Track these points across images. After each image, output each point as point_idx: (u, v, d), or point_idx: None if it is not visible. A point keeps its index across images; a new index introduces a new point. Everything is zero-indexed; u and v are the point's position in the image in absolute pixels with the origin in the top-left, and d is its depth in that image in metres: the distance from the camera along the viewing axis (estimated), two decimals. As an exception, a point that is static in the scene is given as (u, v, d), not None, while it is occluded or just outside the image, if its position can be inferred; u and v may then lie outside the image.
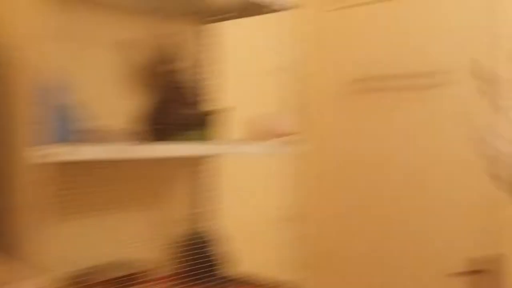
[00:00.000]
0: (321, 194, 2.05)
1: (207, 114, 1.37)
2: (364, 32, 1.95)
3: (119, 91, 1.39)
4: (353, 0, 1.98)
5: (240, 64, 1.69)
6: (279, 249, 1.81)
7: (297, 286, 1.95)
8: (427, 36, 1.80)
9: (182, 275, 1.43)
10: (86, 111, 1.24)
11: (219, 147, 1.30)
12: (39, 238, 1.01)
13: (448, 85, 1.72)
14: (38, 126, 0.95)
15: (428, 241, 1.79)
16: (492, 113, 1.06)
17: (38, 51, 0.97)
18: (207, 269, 1.42)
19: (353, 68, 1.96)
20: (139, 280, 1.29)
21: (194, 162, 1.58)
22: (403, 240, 1.85)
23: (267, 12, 1.47)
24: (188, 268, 1.43)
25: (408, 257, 1.84)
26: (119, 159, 1.28)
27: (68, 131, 1.05)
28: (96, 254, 1.30)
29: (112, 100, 1.37)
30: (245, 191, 1.76)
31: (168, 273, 1.46)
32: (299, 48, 1.54)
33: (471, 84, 1.58)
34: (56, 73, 1.15)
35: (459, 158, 1.72)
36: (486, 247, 1.66)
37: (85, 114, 1.20)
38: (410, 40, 1.83)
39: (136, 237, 1.40)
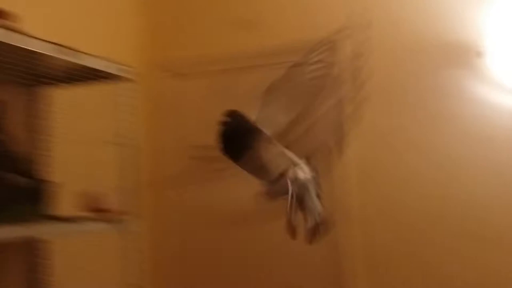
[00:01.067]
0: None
1: (38, 186, 1.32)
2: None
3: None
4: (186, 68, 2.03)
5: (72, 133, 1.54)
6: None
7: None
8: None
9: None
10: None
11: (54, 226, 1.26)
12: None
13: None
14: None
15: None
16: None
17: None
18: None
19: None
20: None
21: (26, 243, 1.48)
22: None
23: (102, 78, 1.44)
24: None
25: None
26: None
27: None
28: None
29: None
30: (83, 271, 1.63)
31: None
32: (134, 118, 1.48)
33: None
34: None
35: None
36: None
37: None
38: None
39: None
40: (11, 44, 1.14)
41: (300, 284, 1.93)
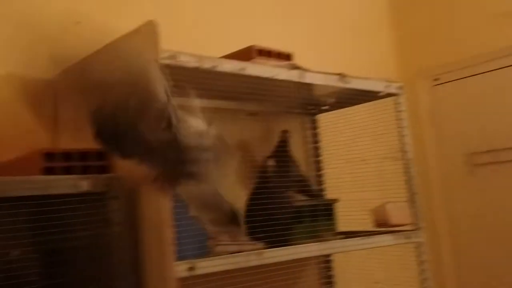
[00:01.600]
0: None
1: (324, 204, 1.38)
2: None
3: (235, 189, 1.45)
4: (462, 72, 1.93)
5: (342, 153, 1.63)
6: None
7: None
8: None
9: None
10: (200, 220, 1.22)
11: (346, 242, 1.33)
12: None
13: None
14: (176, 243, 1.01)
15: None
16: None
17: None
18: None
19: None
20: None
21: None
22: None
23: (374, 99, 1.51)
24: None
25: None
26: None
27: (198, 244, 1.13)
28: None
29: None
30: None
31: None
32: (406, 131, 1.48)
33: None
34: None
35: None
36: None
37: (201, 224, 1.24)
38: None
39: None
40: (296, 82, 1.28)
41: None
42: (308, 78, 1.30)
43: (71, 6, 1.38)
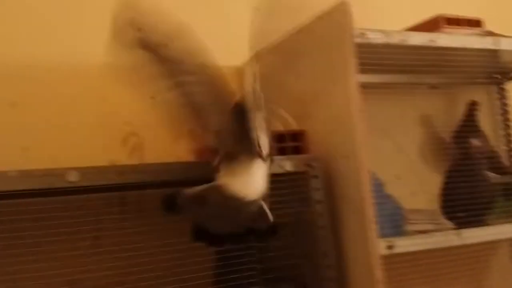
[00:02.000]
0: None
1: None
2: None
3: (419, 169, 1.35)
4: None
5: None
6: None
7: None
8: None
9: None
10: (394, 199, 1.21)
11: None
12: None
13: None
14: (375, 219, 0.98)
15: None
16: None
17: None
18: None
19: None
20: None
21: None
22: None
23: None
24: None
25: None
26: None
27: (394, 222, 1.09)
28: None
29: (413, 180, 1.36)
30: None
31: None
32: None
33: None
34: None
35: None
36: None
37: (396, 202, 1.17)
38: None
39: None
40: (489, 49, 1.20)
41: None
42: (504, 45, 1.20)
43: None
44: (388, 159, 1.42)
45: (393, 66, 1.26)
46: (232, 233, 0.86)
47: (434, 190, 1.40)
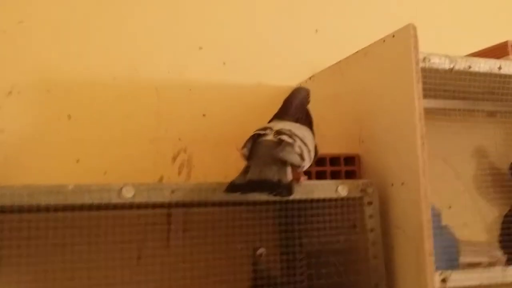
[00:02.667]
0: None
1: None
2: None
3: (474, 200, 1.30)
4: None
5: None
6: None
7: None
8: None
9: None
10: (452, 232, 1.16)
11: None
12: None
13: None
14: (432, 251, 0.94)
15: None
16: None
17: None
18: None
19: None
20: None
21: None
22: None
23: None
24: None
25: None
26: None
27: (448, 254, 1.04)
28: None
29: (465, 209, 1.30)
30: None
31: None
32: None
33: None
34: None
35: None
36: None
37: (452, 234, 1.12)
38: None
39: None
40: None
41: None
42: None
43: (309, 18, 1.43)
44: (441, 187, 1.37)
45: (453, 92, 1.22)
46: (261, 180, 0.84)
47: (488, 221, 1.35)
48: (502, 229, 1.20)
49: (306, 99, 1.03)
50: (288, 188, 0.85)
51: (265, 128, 0.94)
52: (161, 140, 1.24)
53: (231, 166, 1.22)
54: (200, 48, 1.32)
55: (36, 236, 0.87)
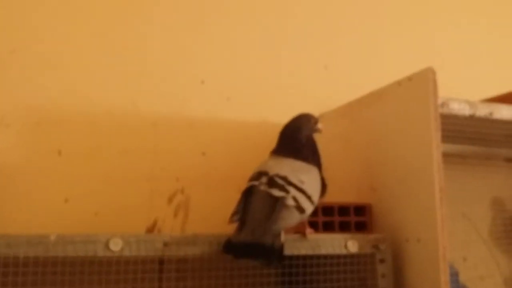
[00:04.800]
0: None
1: None
2: None
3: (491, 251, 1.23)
4: None
5: None
6: None
7: None
8: None
9: None
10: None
11: None
12: None
13: None
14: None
15: None
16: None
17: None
18: None
19: None
20: None
21: None
22: None
23: None
24: None
25: None
26: None
27: None
28: None
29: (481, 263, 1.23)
30: None
31: None
32: None
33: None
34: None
35: None
36: None
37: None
38: None
39: None
40: None
41: None
42: None
43: (318, 54, 1.37)
44: (456, 238, 1.28)
45: (471, 137, 1.14)
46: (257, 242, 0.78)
47: (505, 275, 1.26)
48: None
49: (310, 129, 0.94)
50: (278, 256, 0.79)
51: (259, 175, 0.86)
52: (157, 179, 1.16)
53: (232, 208, 1.13)
54: (202, 82, 1.25)
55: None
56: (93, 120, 1.14)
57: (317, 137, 0.97)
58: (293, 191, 0.83)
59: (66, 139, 1.12)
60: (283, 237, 0.81)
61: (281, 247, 0.79)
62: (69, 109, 1.13)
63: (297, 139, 0.92)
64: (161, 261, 1.03)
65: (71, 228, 1.05)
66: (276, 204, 0.81)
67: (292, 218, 0.82)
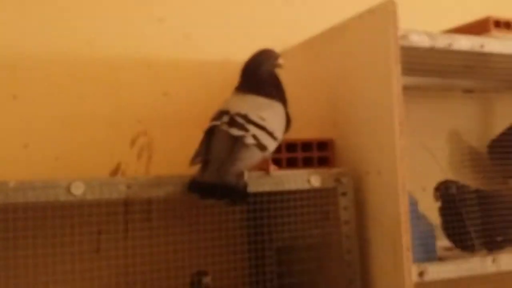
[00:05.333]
0: None
1: None
2: None
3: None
4: None
5: None
6: None
7: None
8: None
9: None
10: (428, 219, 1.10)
11: None
12: None
13: None
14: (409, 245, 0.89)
15: None
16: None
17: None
18: None
19: None
20: None
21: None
22: None
23: None
24: None
25: None
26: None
27: (426, 246, 0.99)
28: None
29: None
30: None
31: None
32: None
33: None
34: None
35: None
36: None
37: (430, 223, 1.06)
38: None
39: None
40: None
41: None
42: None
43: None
44: (416, 169, 1.32)
45: (431, 69, 1.15)
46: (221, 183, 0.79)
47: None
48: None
49: (271, 64, 0.93)
50: (243, 195, 0.80)
51: (221, 114, 0.86)
52: (119, 122, 1.14)
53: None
54: (160, 20, 1.20)
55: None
56: (48, 63, 1.10)
57: (280, 73, 0.96)
58: (252, 129, 0.82)
59: (20, 84, 1.07)
60: (246, 175, 0.81)
61: (245, 186, 0.80)
62: (22, 52, 1.08)
63: (258, 75, 0.91)
64: (126, 204, 1.03)
65: (31, 174, 1.03)
66: (236, 143, 0.81)
67: (253, 156, 0.82)
